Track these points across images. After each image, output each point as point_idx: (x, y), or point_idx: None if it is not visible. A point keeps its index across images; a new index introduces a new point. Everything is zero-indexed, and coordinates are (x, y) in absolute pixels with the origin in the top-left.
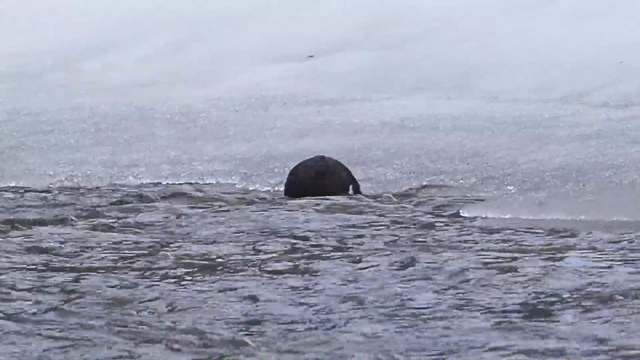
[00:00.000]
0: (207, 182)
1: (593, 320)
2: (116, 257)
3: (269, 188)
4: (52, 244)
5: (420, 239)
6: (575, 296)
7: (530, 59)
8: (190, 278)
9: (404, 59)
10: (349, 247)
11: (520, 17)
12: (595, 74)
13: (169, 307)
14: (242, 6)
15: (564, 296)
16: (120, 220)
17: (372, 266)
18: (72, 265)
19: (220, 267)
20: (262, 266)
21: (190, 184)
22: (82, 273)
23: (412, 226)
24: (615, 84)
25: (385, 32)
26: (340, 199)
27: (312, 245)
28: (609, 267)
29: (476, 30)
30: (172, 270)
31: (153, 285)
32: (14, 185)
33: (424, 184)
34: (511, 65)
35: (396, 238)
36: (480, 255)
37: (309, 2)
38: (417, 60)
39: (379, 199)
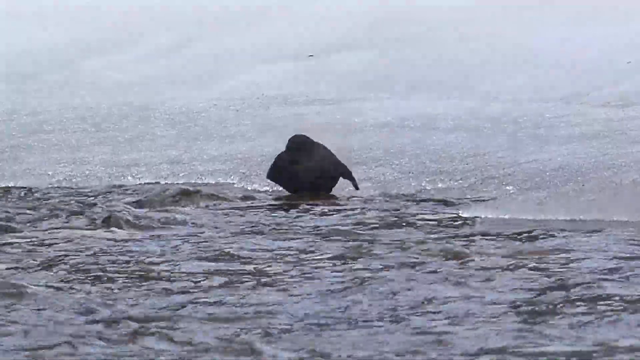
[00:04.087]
0: (207, 181)
1: (593, 320)
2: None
3: (268, 188)
4: (55, 246)
5: (419, 239)
6: (574, 296)
7: (530, 59)
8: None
9: (404, 59)
10: (348, 247)
11: (520, 17)
12: (595, 74)
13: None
14: (242, 7)
15: (563, 295)
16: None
17: (371, 265)
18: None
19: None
20: (262, 267)
21: (190, 183)
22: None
23: (411, 226)
24: (615, 84)
25: (385, 32)
26: (339, 199)
27: (311, 246)
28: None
29: (476, 30)
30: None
31: (163, 285)
32: (13, 185)
33: (424, 184)
34: (511, 65)
35: (396, 237)
36: (480, 254)
37: (309, 2)
38: (417, 60)
39: (378, 198)
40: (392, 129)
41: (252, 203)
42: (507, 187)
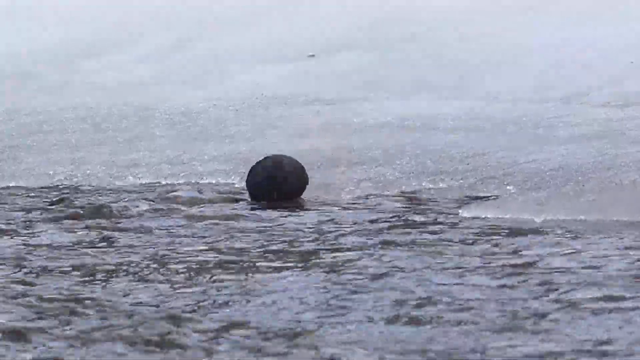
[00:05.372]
0: (207, 181)
1: (593, 319)
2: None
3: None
4: (56, 246)
5: (420, 239)
6: (573, 295)
7: (530, 59)
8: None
9: (404, 59)
10: (348, 247)
11: (520, 17)
12: (595, 74)
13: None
14: (242, 6)
15: (563, 295)
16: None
17: (371, 265)
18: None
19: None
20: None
21: (190, 183)
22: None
23: (412, 226)
24: (615, 84)
25: (385, 32)
26: (341, 198)
27: (311, 242)
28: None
29: (476, 30)
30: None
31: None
32: (14, 185)
33: (424, 184)
34: (511, 65)
35: (396, 238)
36: (480, 254)
37: (309, 2)
38: (417, 60)
39: (378, 198)
40: (392, 129)
41: (234, 207)
42: (508, 187)
